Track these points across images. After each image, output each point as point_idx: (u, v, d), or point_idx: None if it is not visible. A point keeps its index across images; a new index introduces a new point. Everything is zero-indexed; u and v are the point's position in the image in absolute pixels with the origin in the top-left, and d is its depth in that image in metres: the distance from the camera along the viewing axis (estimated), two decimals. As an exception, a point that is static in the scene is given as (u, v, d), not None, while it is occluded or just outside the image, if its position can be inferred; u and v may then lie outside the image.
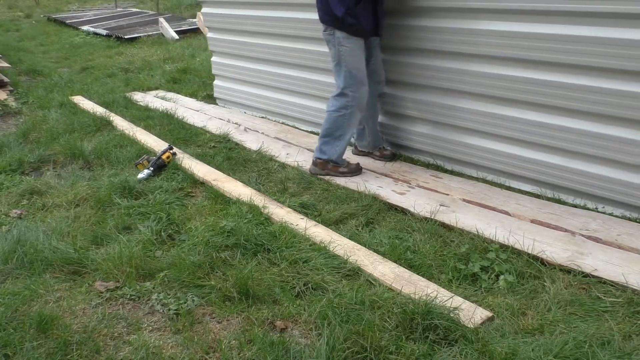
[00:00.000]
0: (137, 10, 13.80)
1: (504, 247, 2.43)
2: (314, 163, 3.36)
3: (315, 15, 3.23)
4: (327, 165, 3.31)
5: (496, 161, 3.11)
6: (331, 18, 3.06)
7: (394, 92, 3.51)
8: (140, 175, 3.30)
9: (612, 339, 1.83)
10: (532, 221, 2.65)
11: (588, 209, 2.78)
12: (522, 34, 2.76)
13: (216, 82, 5.31)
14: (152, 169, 3.36)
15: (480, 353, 1.77)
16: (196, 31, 9.96)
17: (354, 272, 2.28)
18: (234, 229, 2.55)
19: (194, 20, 10.52)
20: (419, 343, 1.82)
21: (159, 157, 3.45)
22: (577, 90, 2.66)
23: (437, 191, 3.06)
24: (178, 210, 2.84)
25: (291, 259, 2.35)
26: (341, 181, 3.25)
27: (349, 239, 2.56)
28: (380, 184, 3.20)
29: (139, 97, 5.65)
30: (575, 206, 2.81)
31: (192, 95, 5.75)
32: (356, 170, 3.33)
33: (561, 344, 1.77)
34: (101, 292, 2.20)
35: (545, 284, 2.17)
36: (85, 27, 11.06)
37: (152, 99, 5.48)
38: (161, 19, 10.17)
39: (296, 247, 2.45)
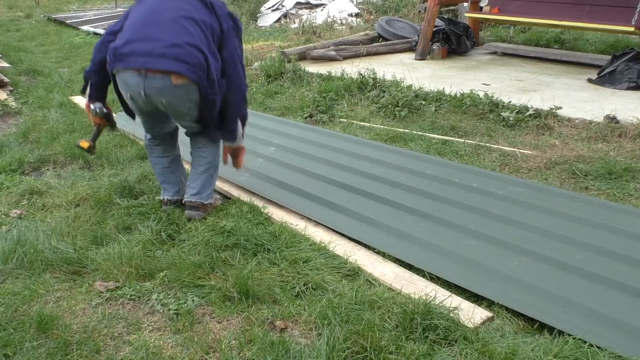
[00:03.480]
0: (137, 10, 13.75)
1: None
2: (196, 207, 2.77)
3: None
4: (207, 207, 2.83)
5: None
6: (204, 76, 2.43)
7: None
8: None
9: (612, 339, 1.83)
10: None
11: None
12: None
13: None
14: None
15: (480, 353, 1.77)
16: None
17: (354, 272, 2.28)
18: (234, 229, 2.55)
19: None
20: (419, 343, 1.82)
21: None
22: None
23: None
24: (178, 210, 2.84)
25: (291, 259, 2.35)
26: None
27: (349, 239, 2.56)
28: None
29: (139, 97, 5.65)
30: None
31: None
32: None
33: (561, 344, 1.77)
34: (101, 292, 2.21)
35: (545, 284, 2.17)
36: (85, 27, 11.06)
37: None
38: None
39: (296, 247, 2.45)
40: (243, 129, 2.77)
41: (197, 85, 2.43)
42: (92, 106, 2.75)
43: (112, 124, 2.93)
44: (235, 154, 2.85)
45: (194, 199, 2.76)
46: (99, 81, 2.68)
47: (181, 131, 2.89)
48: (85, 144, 2.86)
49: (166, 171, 2.88)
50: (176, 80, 2.40)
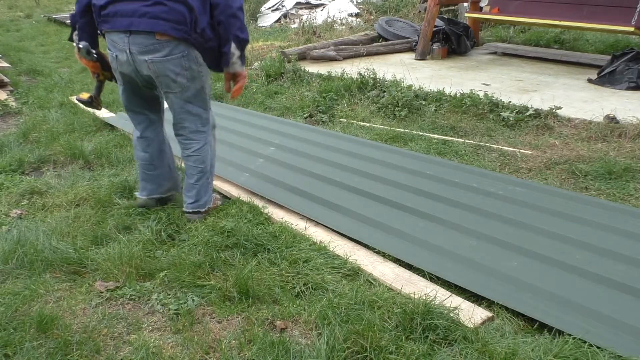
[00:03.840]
0: (137, 10, 13.72)
1: (504, 247, 2.43)
2: (196, 212, 2.76)
3: None
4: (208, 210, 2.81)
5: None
6: (190, 30, 2.39)
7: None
8: None
9: (612, 338, 1.83)
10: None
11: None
12: None
13: None
14: None
15: (480, 353, 1.77)
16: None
17: (354, 272, 2.28)
18: (234, 229, 2.55)
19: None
20: (419, 343, 1.82)
21: None
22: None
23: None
24: (178, 210, 2.84)
25: (291, 259, 2.35)
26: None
27: (349, 239, 2.56)
28: (380, 184, 3.20)
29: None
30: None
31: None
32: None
33: (561, 344, 1.77)
34: (101, 292, 2.21)
35: (545, 284, 2.17)
36: (85, 27, 11.04)
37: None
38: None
39: (296, 247, 2.46)
40: (241, 53, 2.52)
41: (183, 41, 2.40)
42: (79, 45, 2.59)
43: (108, 71, 2.73)
44: (234, 81, 2.64)
45: (192, 208, 2.74)
46: (85, 22, 2.56)
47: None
48: (85, 95, 2.77)
49: (147, 168, 2.81)
50: (160, 36, 2.38)
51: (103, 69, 2.72)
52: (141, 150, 2.81)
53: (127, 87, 2.64)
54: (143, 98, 2.70)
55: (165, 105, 2.75)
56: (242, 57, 2.54)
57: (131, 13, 2.36)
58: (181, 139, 2.71)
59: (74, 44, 2.63)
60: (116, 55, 2.48)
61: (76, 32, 2.60)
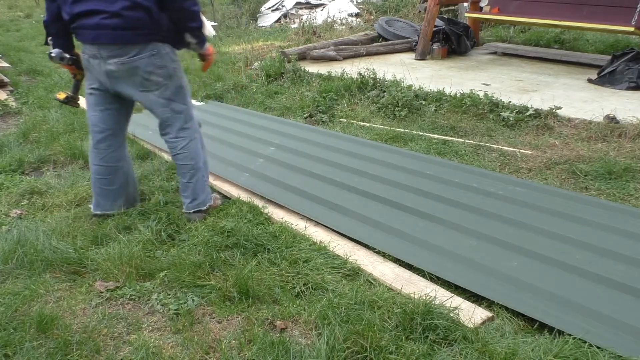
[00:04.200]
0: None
1: (504, 247, 2.43)
2: (197, 212, 2.76)
3: None
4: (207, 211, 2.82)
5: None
6: (154, 31, 2.47)
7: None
8: None
9: (612, 339, 1.82)
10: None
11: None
12: None
13: None
14: None
15: (480, 353, 1.77)
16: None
17: (354, 272, 2.29)
18: (234, 229, 2.55)
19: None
20: (419, 343, 1.82)
21: None
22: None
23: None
24: (178, 210, 2.84)
25: (291, 259, 2.35)
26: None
27: (349, 239, 2.56)
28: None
29: (139, 97, 5.64)
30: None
31: (192, 95, 5.73)
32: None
33: (561, 344, 1.77)
34: (101, 292, 2.21)
35: (545, 284, 2.17)
36: (85, 27, 11.04)
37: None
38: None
39: (296, 247, 2.46)
40: (197, 40, 2.62)
41: (151, 41, 2.47)
42: (51, 54, 2.65)
43: (84, 70, 2.75)
44: (202, 58, 2.81)
45: (192, 208, 2.74)
46: (59, 28, 2.62)
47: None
48: (62, 95, 2.82)
49: (102, 182, 2.76)
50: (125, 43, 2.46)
51: (79, 69, 2.78)
52: (95, 162, 2.76)
53: (95, 91, 2.66)
54: (107, 105, 2.69)
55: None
56: (200, 43, 2.65)
57: (94, 26, 2.44)
58: (167, 138, 2.72)
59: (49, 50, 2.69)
60: (89, 59, 2.57)
61: (51, 38, 2.66)
